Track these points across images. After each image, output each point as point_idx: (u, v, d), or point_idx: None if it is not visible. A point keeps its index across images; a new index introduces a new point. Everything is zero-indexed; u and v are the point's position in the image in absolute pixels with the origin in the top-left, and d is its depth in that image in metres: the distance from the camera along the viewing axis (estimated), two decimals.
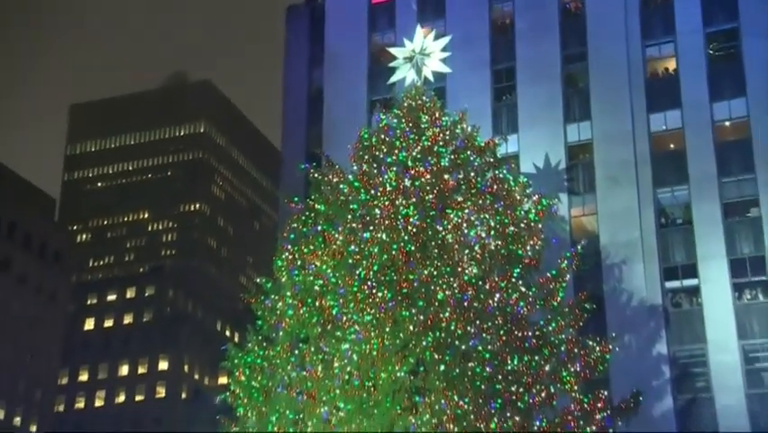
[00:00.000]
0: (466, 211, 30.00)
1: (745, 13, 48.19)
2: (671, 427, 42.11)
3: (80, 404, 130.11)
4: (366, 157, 31.78)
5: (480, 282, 28.54)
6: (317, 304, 28.19)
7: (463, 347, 27.25)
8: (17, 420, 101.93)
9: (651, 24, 49.90)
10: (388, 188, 30.15)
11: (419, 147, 31.43)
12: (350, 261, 28.64)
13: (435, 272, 28.42)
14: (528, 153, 48.26)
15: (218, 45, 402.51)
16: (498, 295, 28.55)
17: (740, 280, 45.21)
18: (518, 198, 31.64)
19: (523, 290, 29.41)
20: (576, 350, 29.00)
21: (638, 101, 48.32)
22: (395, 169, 30.84)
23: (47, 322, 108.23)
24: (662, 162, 47.80)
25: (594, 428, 27.73)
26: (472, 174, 31.38)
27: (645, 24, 49.79)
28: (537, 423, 27.09)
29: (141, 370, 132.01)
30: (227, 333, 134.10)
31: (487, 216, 30.14)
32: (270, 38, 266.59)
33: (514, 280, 29.43)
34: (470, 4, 52.25)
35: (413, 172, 30.62)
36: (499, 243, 29.88)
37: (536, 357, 27.99)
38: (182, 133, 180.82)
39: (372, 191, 30.31)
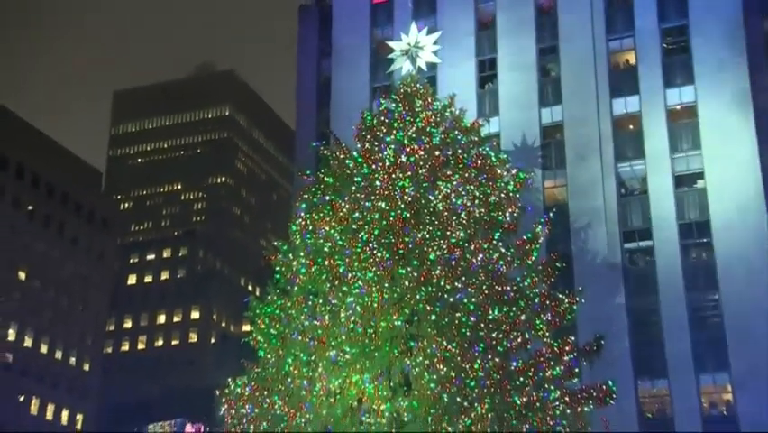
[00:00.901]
0: (454, 183, 29.96)
1: (693, 12, 48.06)
2: (625, 367, 42.34)
3: (125, 347, 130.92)
4: (368, 136, 31.70)
5: (466, 244, 28.57)
6: (326, 263, 28.22)
7: (451, 300, 27.29)
8: (72, 361, 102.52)
9: (613, 22, 49.76)
10: (387, 163, 30.14)
11: (414, 128, 31.36)
12: (354, 226, 28.66)
13: (428, 236, 28.45)
14: (508, 133, 48.29)
15: (240, 40, 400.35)
16: (481, 255, 28.59)
17: (687, 241, 45.40)
18: (499, 171, 31.59)
19: (503, 250, 29.45)
20: (548, 302, 29.06)
21: (602, 88, 48.30)
22: (393, 146, 30.77)
23: (96, 278, 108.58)
24: (623, 141, 47.87)
25: (562, 367, 27.88)
26: (459, 151, 31.31)
27: (609, 22, 49.65)
28: (514, 364, 27.22)
29: (176, 319, 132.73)
30: (249, 287, 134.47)
31: (472, 188, 30.12)
32: (286, 34, 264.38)
33: (495, 242, 29.46)
34: (458, 4, 52.02)
35: (408, 149, 30.57)
36: (483, 210, 29.89)
37: (514, 308, 28.05)
38: (210, 116, 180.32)
39: (373, 166, 30.29)
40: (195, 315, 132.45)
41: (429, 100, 32.66)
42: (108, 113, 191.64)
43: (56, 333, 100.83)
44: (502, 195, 30.84)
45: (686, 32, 48.42)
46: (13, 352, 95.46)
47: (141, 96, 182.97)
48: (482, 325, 27.21)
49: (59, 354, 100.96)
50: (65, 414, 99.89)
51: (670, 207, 45.73)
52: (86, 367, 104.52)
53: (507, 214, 30.43)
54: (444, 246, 28.27)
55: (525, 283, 29.13)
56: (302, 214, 30.59)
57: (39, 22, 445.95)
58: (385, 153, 30.61)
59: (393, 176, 29.66)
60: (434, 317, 26.92)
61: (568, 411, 27.06)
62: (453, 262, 27.96)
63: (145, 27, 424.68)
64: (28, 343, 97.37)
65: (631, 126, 48.19)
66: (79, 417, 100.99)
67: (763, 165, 45.48)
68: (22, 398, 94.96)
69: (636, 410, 42.61)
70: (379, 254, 27.60)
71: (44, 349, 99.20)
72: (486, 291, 27.90)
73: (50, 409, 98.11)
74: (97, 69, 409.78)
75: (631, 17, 49.42)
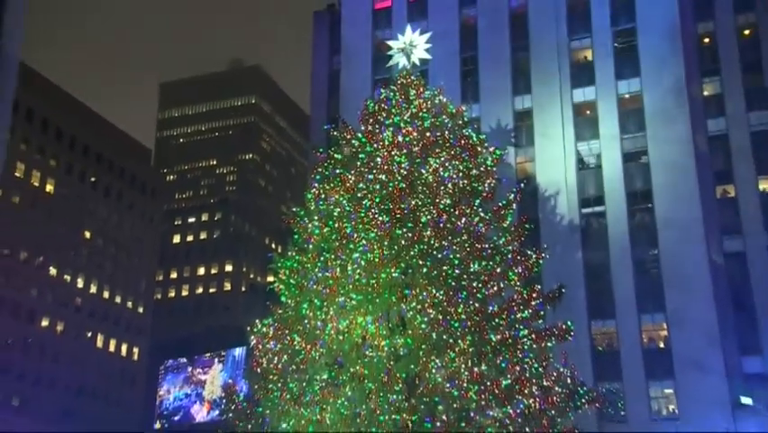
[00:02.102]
0: (442, 159, 29.71)
1: (640, 17, 47.70)
2: (581, 310, 42.45)
3: (171, 294, 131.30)
4: (370, 120, 31.36)
5: (452, 210, 28.38)
6: (336, 225, 28.08)
7: (439, 255, 27.19)
8: (129, 304, 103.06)
9: (574, 25, 49.32)
10: (386, 143, 29.87)
11: (409, 113, 31.04)
12: (359, 194, 28.47)
13: (420, 203, 28.30)
14: (486, 117, 48.07)
15: (265, 40, 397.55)
16: (464, 219, 28.41)
17: (633, 207, 45.34)
18: (479, 149, 31.25)
19: (482, 215, 29.24)
20: (519, 257, 28.92)
21: (565, 80, 47.99)
22: (391, 128, 30.46)
23: (147, 237, 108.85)
24: (581, 124, 47.63)
25: (530, 311, 27.81)
26: (446, 133, 30.99)
27: (570, 25, 49.26)
28: (491, 308, 27.16)
29: (212, 271, 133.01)
30: (273, 245, 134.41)
31: (456, 163, 29.86)
32: (302, 35, 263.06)
33: (475, 208, 29.24)
34: (445, 10, 51.58)
35: (404, 131, 30.28)
36: (465, 181, 29.66)
37: (491, 262, 27.94)
38: (239, 104, 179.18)
39: (375, 145, 30.03)
40: (228, 268, 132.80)
41: (421, 90, 32.28)
42: (155, 101, 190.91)
43: (115, 282, 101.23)
44: (481, 169, 30.58)
45: (634, 33, 48.08)
46: (81, 297, 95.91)
47: (183, 87, 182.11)
48: (465, 276, 27.15)
49: (118, 299, 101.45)
50: (124, 347, 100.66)
51: (619, 179, 45.65)
52: (140, 310, 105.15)
53: (486, 184, 30.20)
54: (434, 211, 28.13)
55: (501, 242, 28.99)
56: (316, 184, 30.41)
57: (95, 23, 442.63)
58: (384, 134, 30.34)
59: (391, 153, 29.42)
60: (425, 269, 26.88)
61: (534, 346, 27.06)
62: (441, 225, 27.83)
63: (183, 28, 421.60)
64: (93, 290, 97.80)
65: (588, 112, 47.90)
66: (135, 349, 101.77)
67: (696, 143, 45.38)
68: (89, 334, 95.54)
69: (590, 345, 42.85)
70: (380, 218, 27.48)
71: (106, 295, 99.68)
72: (468, 249, 27.79)
73: (112, 343, 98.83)
74: (144, 62, 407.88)
75: (589, 21, 48.98)
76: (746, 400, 40.27)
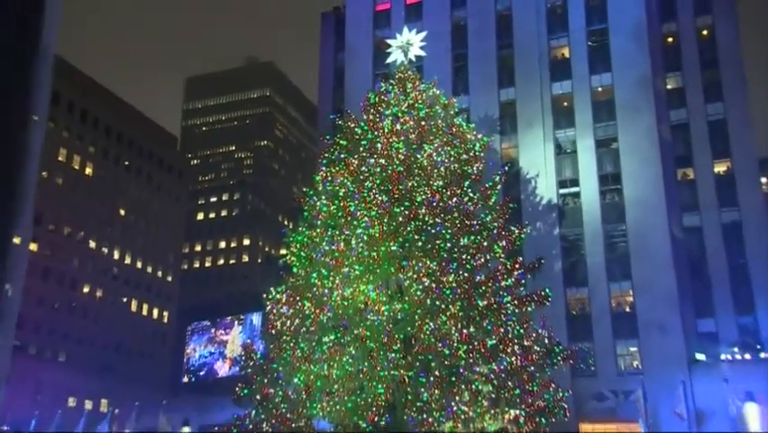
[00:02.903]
0: (435, 145, 29.53)
1: (611, 19, 47.30)
2: (558, 278, 42.48)
3: (196, 264, 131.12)
4: (371, 110, 31.08)
5: (444, 190, 28.23)
6: (341, 204, 27.93)
7: (433, 231, 27.05)
8: (159, 274, 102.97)
9: (553, 26, 48.96)
10: (386, 131, 29.62)
11: (406, 104, 30.76)
12: (361, 177, 28.30)
13: (416, 184, 28.13)
14: (475, 108, 47.72)
15: (278, 38, 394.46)
16: (455, 198, 28.27)
17: (604, 187, 45.21)
18: (468, 136, 31.03)
19: (471, 195, 29.08)
20: (503, 232, 28.77)
21: (545, 75, 47.72)
22: (390, 118, 30.21)
23: (174, 214, 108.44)
24: (559, 114, 47.41)
25: (513, 280, 27.72)
26: (439, 121, 30.78)
27: (550, 26, 48.87)
28: (478, 277, 27.12)
29: (232, 244, 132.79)
30: (285, 222, 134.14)
31: (448, 149, 29.67)
32: (310, 34, 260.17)
33: (465, 188, 29.08)
34: (439, 12, 51.20)
35: (402, 120, 30.03)
36: (456, 165, 29.49)
37: (478, 237, 27.80)
38: (255, 96, 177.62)
39: (375, 132, 29.79)
40: (246, 242, 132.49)
41: (417, 84, 31.99)
42: (180, 93, 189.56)
43: (147, 254, 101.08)
44: (470, 154, 30.38)
45: (606, 33, 47.69)
46: (117, 267, 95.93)
47: (206, 81, 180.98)
48: (455, 249, 27.03)
49: (149, 269, 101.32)
50: (155, 311, 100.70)
51: (592, 163, 45.52)
52: (169, 278, 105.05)
53: (474, 168, 30.03)
54: (428, 192, 27.96)
55: (487, 219, 28.84)
56: (323, 168, 30.23)
57: (124, 24, 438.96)
58: (384, 123, 30.06)
59: (390, 140, 29.18)
60: (420, 243, 26.78)
61: (516, 311, 27.01)
62: (434, 204, 27.68)
63: (204, 27, 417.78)
64: (128, 261, 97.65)
65: (565, 103, 47.60)
66: (165, 313, 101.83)
67: (660, 132, 45.19)
68: (125, 300, 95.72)
69: (565, 310, 42.92)
70: (380, 198, 27.32)
71: (139, 265, 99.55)
72: (458, 225, 27.65)
73: (145, 307, 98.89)
74: (175, 60, 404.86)
75: (566, 22, 48.64)
76: (700, 357, 40.67)
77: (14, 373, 55.76)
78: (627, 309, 43.07)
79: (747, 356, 40.82)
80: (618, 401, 39.20)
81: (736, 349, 41.78)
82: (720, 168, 47.32)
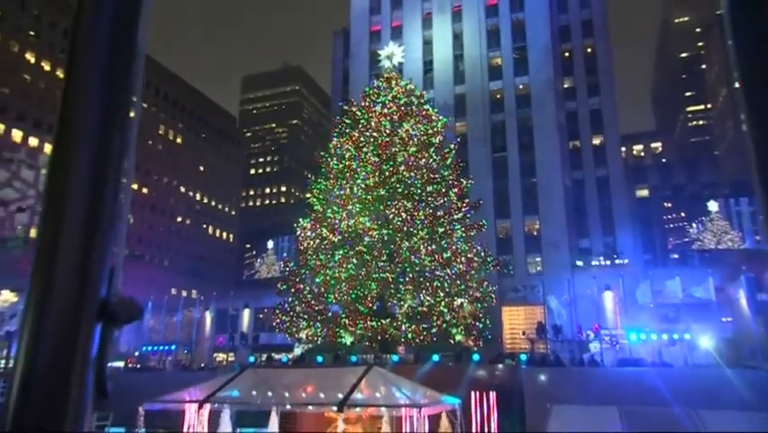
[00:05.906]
0: (411, 123, 28.53)
1: (529, 38, 45.13)
2: (491, 213, 41.71)
3: (250, 204, 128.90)
4: (367, 99, 29.97)
5: (417, 154, 27.50)
6: (347, 163, 27.21)
7: (409, 182, 26.61)
8: (226, 209, 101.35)
9: (490, 41, 46.45)
10: (377, 113, 28.60)
11: (391, 95, 29.62)
12: (360, 144, 27.54)
13: (397, 150, 27.39)
14: (438, 98, 45.82)
15: (303, 49, 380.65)
16: (423, 160, 27.59)
17: (523, 154, 44.08)
18: (434, 118, 29.99)
19: (434, 157, 28.37)
20: (456, 183, 28.22)
21: (485, 75, 45.80)
22: (380, 105, 29.13)
23: (235, 172, 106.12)
24: (494, 103, 45.59)
25: (461, 214, 27.32)
26: (414, 108, 29.65)
27: (489, 42, 46.43)
28: (439, 213, 26.77)
29: (274, 190, 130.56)
30: (309, 175, 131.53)
31: (420, 126, 28.72)
32: (327, 46, 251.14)
33: (431, 153, 28.35)
34: (413, 33, 48.84)
35: (388, 106, 28.97)
36: (425, 137, 28.62)
37: (439, 186, 27.33)
38: (288, 90, 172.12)
39: (370, 114, 28.79)
40: (283, 189, 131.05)
41: (398, 81, 30.69)
42: (239, 87, 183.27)
43: (218, 196, 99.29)
44: (435, 130, 29.40)
45: (525, 49, 45.79)
46: (198, 205, 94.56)
47: (256, 78, 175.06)
48: (424, 194, 26.60)
49: (220, 206, 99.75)
50: (224, 234, 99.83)
51: (514, 136, 44.21)
52: (233, 213, 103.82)
53: (437, 139, 29.11)
54: (406, 155, 27.25)
55: (445, 174, 28.19)
56: (334, 139, 29.29)
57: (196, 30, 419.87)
58: (376, 108, 29.01)
59: (380, 120, 28.19)
60: (400, 190, 26.27)
61: (463, 235, 26.75)
62: (410, 163, 27.04)
63: (254, 42, 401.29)
64: (206, 201, 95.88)
65: (498, 96, 46.00)
66: (231, 236, 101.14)
67: (557, 117, 44.00)
68: (204, 226, 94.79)
69: (495, 234, 42.46)
70: (373, 159, 26.65)
71: (213, 203, 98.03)
72: (426, 177, 27.08)
73: (218, 232, 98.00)
74: (233, 61, 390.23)
75: (499, 40, 46.54)
76: (579, 263, 40.78)
77: (137, 274, 55.64)
78: (535, 234, 42.91)
79: (608, 262, 41.12)
80: (527, 292, 39.46)
81: (601, 258, 42.03)
82: (596, 141, 46.48)
